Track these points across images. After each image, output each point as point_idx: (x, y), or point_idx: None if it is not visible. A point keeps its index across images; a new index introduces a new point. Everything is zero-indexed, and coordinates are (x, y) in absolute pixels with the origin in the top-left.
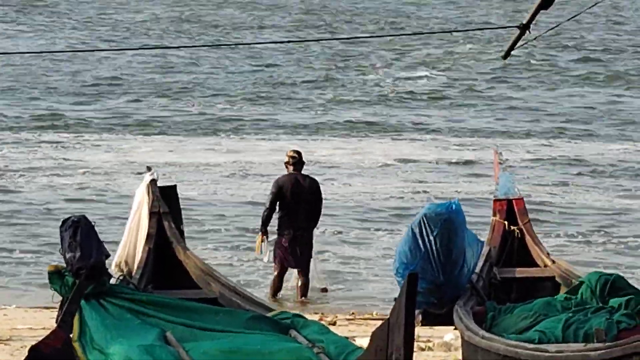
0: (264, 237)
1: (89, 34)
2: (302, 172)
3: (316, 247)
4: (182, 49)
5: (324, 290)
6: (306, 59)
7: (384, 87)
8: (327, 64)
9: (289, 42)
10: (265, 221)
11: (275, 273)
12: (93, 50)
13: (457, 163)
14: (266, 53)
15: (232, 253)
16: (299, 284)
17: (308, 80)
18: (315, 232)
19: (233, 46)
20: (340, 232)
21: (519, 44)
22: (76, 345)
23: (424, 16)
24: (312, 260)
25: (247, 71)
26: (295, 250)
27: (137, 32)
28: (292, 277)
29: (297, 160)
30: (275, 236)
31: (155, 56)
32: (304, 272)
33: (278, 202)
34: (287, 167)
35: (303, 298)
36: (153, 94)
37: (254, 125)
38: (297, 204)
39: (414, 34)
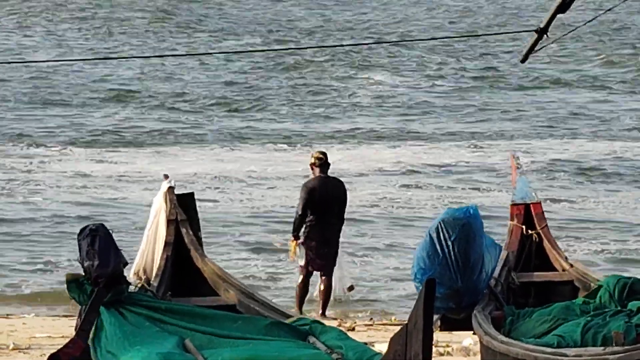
0: (297, 241)
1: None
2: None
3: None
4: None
5: (351, 288)
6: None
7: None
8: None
9: (285, 49)
10: (298, 227)
11: (301, 277)
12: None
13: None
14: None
15: (251, 259)
16: (322, 287)
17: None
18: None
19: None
20: (362, 236)
21: (536, 48)
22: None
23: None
24: (341, 258)
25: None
26: (324, 253)
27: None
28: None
29: (323, 162)
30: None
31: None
32: (328, 276)
33: (309, 206)
34: (312, 168)
35: (322, 315)
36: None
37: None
38: (326, 207)
39: (429, 39)
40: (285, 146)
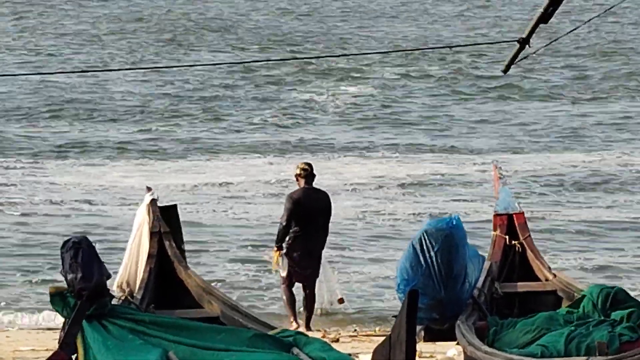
0: (280, 251)
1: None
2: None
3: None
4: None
5: (341, 301)
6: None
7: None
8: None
9: (283, 59)
10: (282, 237)
11: (284, 288)
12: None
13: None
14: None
15: (235, 270)
16: (305, 302)
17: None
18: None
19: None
20: (342, 249)
21: (518, 58)
22: None
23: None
24: (327, 269)
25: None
26: (306, 265)
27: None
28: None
29: (308, 173)
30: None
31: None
32: (311, 288)
33: (293, 217)
34: (297, 179)
35: (307, 328)
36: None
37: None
38: (311, 218)
39: (412, 50)
40: (256, 156)
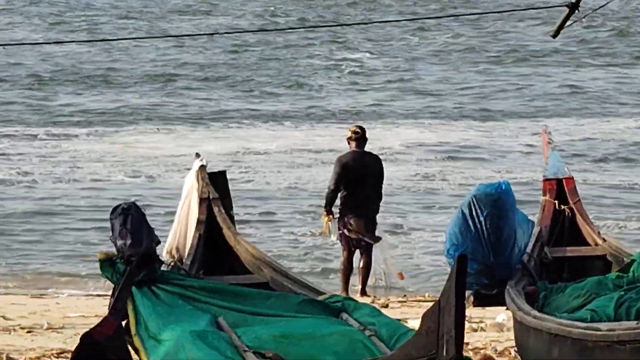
0: (330, 216)
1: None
2: (365, 149)
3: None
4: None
5: (401, 276)
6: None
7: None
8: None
9: (298, 28)
10: (330, 201)
11: (344, 256)
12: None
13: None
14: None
15: (289, 238)
16: (361, 265)
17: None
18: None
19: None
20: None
21: (568, 22)
22: (135, 339)
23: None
24: (381, 244)
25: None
26: (360, 229)
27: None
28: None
29: (360, 136)
30: (338, 216)
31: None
32: (367, 252)
33: (342, 182)
34: (349, 143)
35: (362, 292)
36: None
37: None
38: (361, 182)
39: (460, 15)
40: (288, 123)
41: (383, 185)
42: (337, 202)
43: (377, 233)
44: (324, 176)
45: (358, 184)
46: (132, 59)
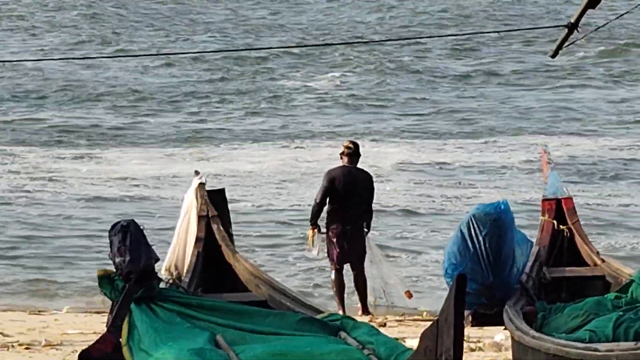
0: (315, 230)
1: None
2: (357, 165)
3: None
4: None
5: (409, 295)
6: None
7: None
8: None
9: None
10: (316, 214)
11: (333, 272)
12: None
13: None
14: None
15: (283, 255)
16: (353, 283)
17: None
18: (370, 234)
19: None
20: (390, 235)
21: (566, 43)
22: (125, 349)
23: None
24: (383, 262)
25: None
26: (343, 245)
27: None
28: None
29: (352, 152)
30: (325, 230)
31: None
32: (358, 270)
33: (329, 196)
34: (341, 157)
35: (364, 312)
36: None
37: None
38: (348, 197)
39: (458, 34)
40: (284, 143)
41: (373, 203)
42: (324, 215)
43: (367, 247)
44: (307, 193)
45: (346, 199)
46: (102, 75)
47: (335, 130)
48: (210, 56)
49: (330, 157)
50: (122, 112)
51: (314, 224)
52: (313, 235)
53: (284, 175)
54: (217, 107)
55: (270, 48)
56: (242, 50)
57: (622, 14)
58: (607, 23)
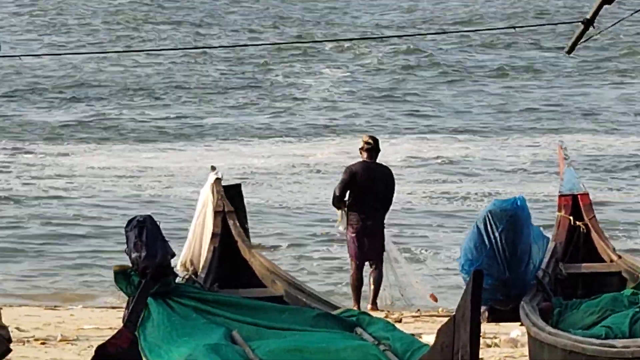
0: (344, 209)
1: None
2: (377, 160)
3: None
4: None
5: (434, 298)
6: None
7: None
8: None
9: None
10: (337, 204)
11: (352, 268)
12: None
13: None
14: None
15: (299, 252)
16: (371, 279)
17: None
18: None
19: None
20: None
21: (582, 39)
22: (140, 344)
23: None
24: (402, 262)
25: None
26: (363, 241)
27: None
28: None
29: (372, 147)
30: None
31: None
32: (376, 265)
33: (348, 190)
34: (361, 153)
35: (372, 305)
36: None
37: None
38: (367, 193)
39: (472, 30)
40: (291, 139)
41: (393, 198)
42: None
43: (386, 247)
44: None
45: (365, 195)
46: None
47: (340, 125)
48: (217, 51)
49: (342, 152)
50: (129, 106)
51: (339, 205)
52: (342, 214)
53: (293, 170)
54: (224, 102)
55: (279, 44)
56: (246, 45)
57: (638, 10)
58: (623, 19)
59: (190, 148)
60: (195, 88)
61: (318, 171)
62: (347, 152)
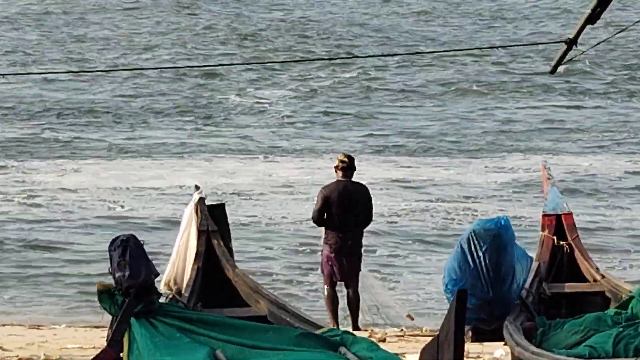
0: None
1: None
2: (352, 179)
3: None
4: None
5: (410, 317)
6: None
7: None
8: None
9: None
10: (318, 224)
11: (326, 287)
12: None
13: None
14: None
15: (283, 270)
16: (347, 302)
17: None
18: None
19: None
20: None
21: (565, 59)
22: None
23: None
24: (375, 285)
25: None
26: (342, 261)
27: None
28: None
29: (347, 166)
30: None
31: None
32: (353, 286)
33: (325, 212)
34: (336, 171)
35: (355, 329)
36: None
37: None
38: (344, 213)
39: (454, 50)
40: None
41: (372, 216)
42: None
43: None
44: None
45: (343, 214)
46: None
47: (303, 145)
48: (175, 70)
49: (304, 171)
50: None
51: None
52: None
53: (261, 189)
54: (178, 121)
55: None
56: (211, 66)
57: (621, 31)
58: (606, 39)
59: (146, 164)
60: (146, 109)
61: (287, 187)
62: (308, 170)
